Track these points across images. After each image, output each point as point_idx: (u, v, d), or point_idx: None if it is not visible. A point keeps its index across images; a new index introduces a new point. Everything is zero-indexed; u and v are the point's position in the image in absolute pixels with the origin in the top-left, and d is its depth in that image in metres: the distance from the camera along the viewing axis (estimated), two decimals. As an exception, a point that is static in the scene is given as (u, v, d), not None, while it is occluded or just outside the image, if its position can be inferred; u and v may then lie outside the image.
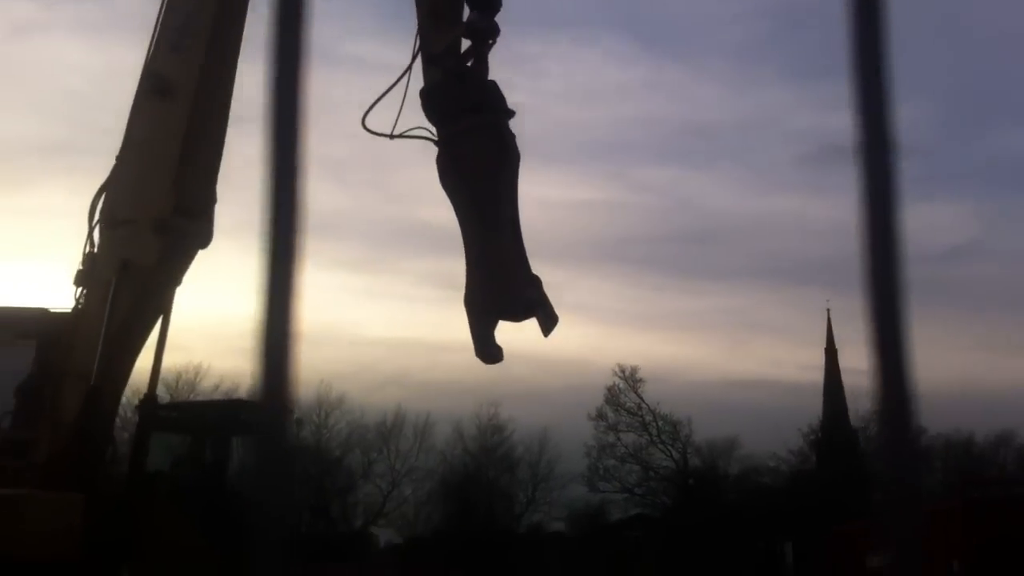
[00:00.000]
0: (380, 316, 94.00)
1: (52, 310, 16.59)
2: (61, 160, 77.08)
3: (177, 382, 53.25)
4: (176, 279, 15.02)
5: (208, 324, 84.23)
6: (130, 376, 14.98)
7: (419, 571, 26.01)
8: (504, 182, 14.55)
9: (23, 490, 13.54)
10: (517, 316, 13.84)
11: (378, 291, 75.16)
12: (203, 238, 15.08)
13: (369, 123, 12.21)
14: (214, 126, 15.13)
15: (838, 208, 59.21)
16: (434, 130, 12.75)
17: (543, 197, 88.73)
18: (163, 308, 15.14)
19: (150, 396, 15.11)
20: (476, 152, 12.96)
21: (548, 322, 13.76)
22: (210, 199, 15.19)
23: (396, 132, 12.53)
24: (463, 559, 45.63)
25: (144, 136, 15.27)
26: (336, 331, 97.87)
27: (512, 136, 13.00)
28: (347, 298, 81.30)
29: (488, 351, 13.36)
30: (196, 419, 16.26)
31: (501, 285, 13.71)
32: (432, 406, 64.45)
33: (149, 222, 14.69)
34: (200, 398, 39.77)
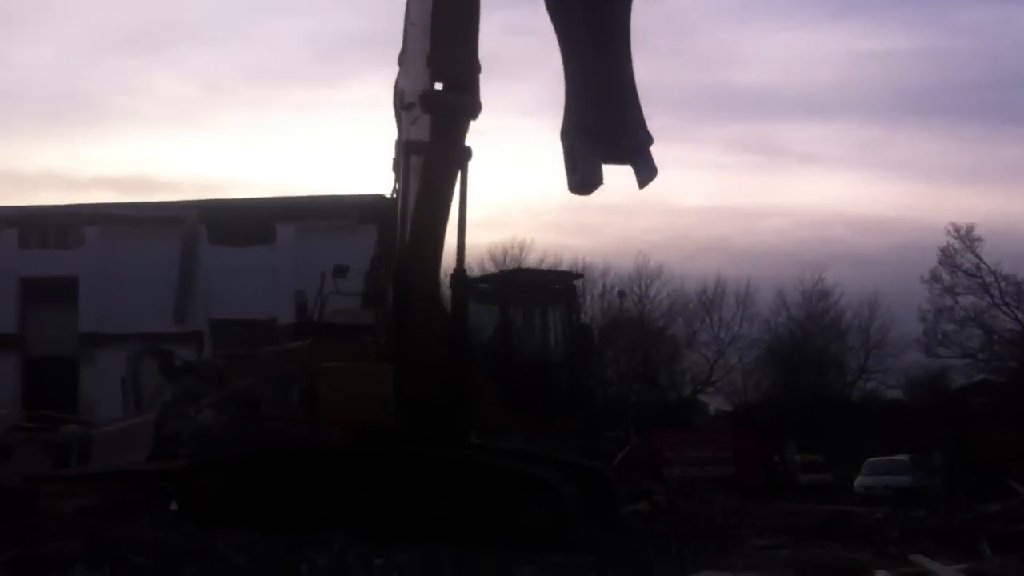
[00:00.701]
0: (689, 185, 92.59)
1: (388, 195, 16.89)
2: (378, 52, 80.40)
3: (504, 257, 54.98)
4: (452, 153, 14.66)
5: (530, 200, 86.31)
6: (438, 255, 15.03)
7: (751, 438, 25.64)
8: (618, 7, 13.90)
9: (339, 363, 14.60)
10: (622, 153, 13.30)
11: (686, 160, 73.65)
12: (471, 110, 14.66)
13: None
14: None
15: None
16: None
17: (848, 49, 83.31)
18: (453, 184, 14.92)
19: (459, 270, 15.13)
20: None
21: (648, 173, 13.15)
22: (472, 70, 14.70)
23: None
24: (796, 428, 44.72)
25: (416, 17, 15.37)
26: (647, 201, 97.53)
27: None
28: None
29: (585, 180, 12.97)
30: (506, 289, 16.15)
31: (615, 121, 13.11)
32: (752, 272, 62.79)
33: (419, 100, 14.62)
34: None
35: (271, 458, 15.72)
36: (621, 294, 54.40)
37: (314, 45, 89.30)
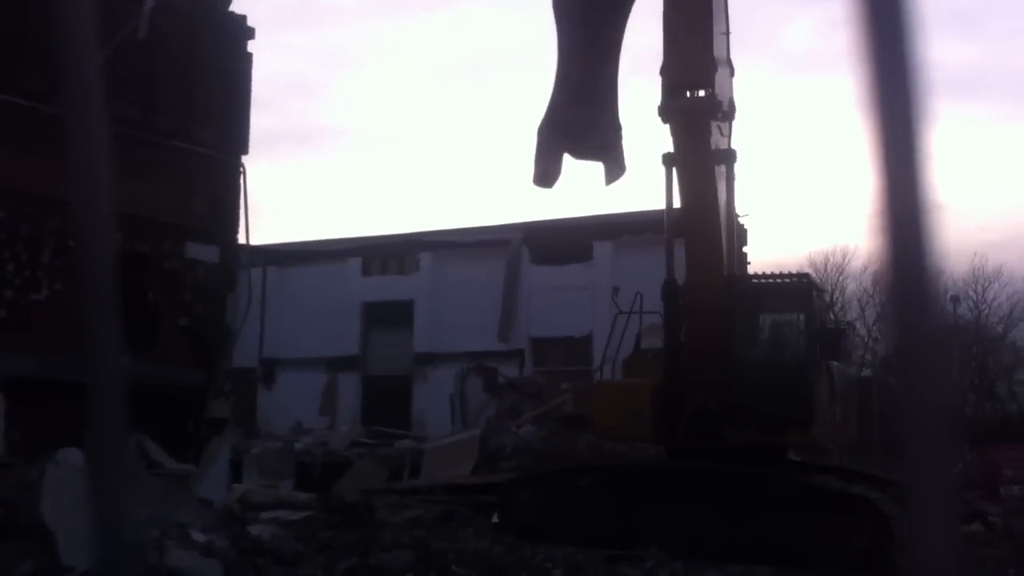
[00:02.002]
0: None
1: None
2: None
3: (826, 264, 53.17)
4: (701, 158, 14.48)
5: (857, 202, 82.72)
6: (712, 263, 14.76)
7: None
8: (619, 10, 14.21)
9: (608, 380, 15.68)
10: (587, 154, 13.87)
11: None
12: (708, 109, 14.44)
13: None
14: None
15: None
16: None
17: None
18: (712, 189, 14.64)
19: (669, 280, 15.03)
20: None
21: (615, 172, 13.62)
22: (705, 70, 14.41)
23: None
24: None
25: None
26: (983, 198, 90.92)
27: None
28: (985, 161, 74.88)
29: (545, 174, 13.66)
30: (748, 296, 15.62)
31: (586, 119, 13.65)
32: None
33: (658, 112, 14.53)
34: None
35: (588, 472, 16.04)
36: (955, 299, 51.13)
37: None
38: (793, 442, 15.15)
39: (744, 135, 40.30)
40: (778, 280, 15.23)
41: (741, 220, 29.15)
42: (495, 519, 15.84)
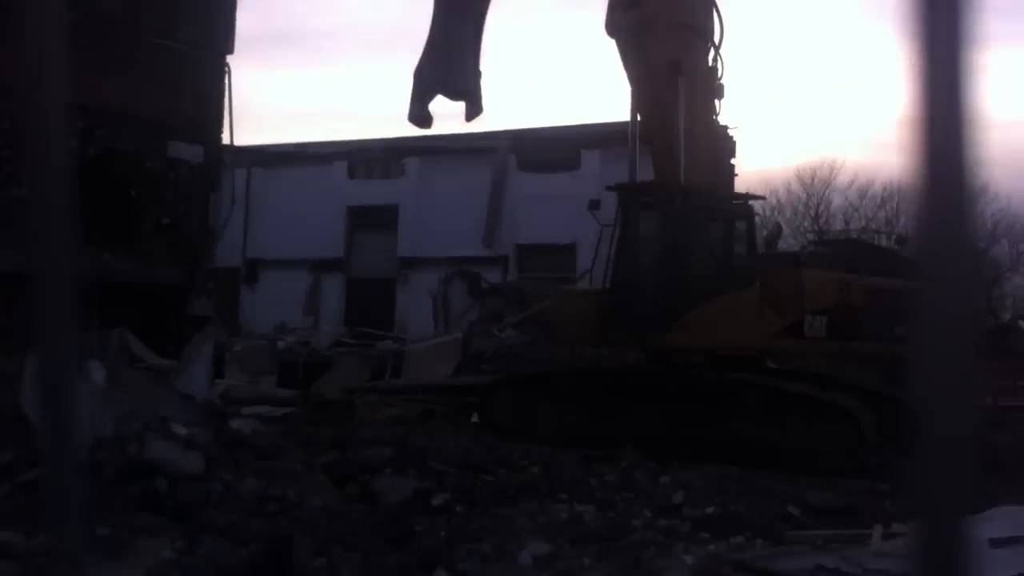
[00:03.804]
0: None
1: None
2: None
3: (812, 178, 53.16)
4: (647, 71, 15.33)
5: (844, 117, 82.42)
6: (675, 172, 15.14)
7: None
8: None
9: (569, 288, 16.91)
10: (452, 96, 15.95)
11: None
12: (648, 24, 15.23)
13: None
14: None
15: None
16: None
17: None
18: (662, 100, 15.32)
19: (624, 183, 16.29)
20: None
21: (474, 111, 15.95)
22: None
23: None
24: None
25: None
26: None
27: None
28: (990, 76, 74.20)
29: (420, 116, 15.83)
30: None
31: (450, 67, 15.87)
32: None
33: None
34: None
35: (566, 375, 16.29)
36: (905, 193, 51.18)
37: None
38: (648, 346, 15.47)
39: (736, 44, 39.89)
40: (726, 204, 15.70)
41: (730, 131, 29.07)
42: (475, 419, 16.09)
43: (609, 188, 16.79)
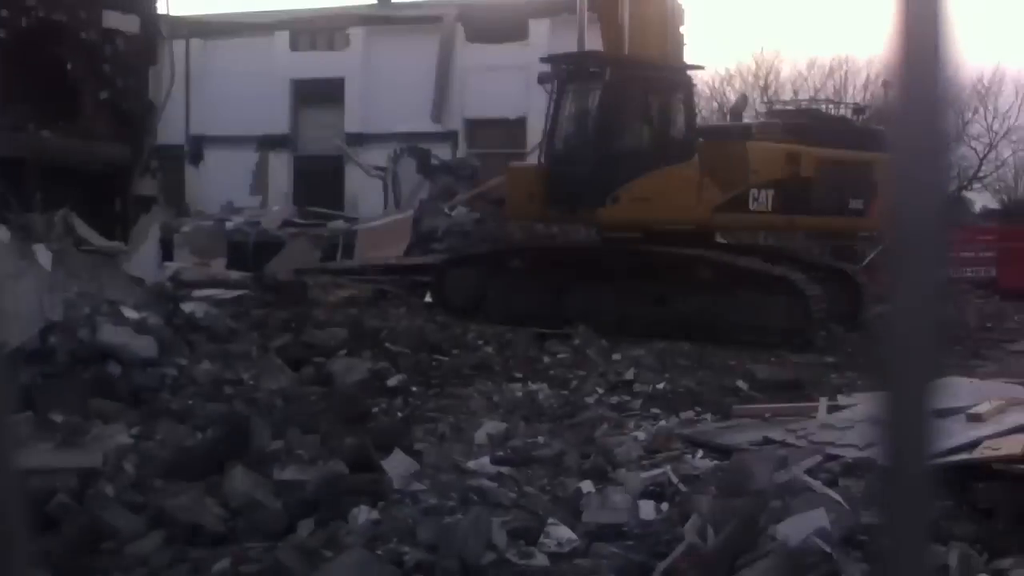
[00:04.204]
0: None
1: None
2: None
3: (761, 49, 52.81)
4: None
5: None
6: (618, 42, 15.24)
7: (1018, 238, 23.93)
8: None
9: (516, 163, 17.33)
10: None
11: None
12: None
13: None
14: None
15: None
16: None
17: None
18: None
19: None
20: None
21: None
22: None
23: None
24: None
25: None
26: None
27: None
28: None
29: None
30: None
31: None
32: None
33: None
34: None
35: (518, 253, 16.33)
36: (885, 84, 51.22)
37: None
38: (586, 220, 15.58)
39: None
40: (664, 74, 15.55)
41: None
42: (427, 299, 16.14)
43: (542, 60, 16.54)
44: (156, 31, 20.07)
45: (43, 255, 10.62)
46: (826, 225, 16.50)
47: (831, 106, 22.29)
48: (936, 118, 1.21)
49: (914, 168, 1.21)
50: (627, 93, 14.83)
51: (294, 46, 37.64)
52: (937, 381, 1.21)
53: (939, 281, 1.22)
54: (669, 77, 15.65)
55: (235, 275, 17.39)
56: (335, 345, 11.01)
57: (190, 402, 8.42)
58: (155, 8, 19.85)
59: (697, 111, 16.28)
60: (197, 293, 14.22)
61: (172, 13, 20.47)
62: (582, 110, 15.22)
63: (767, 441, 7.65)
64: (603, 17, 15.77)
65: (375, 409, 8.72)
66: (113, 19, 19.19)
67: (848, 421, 7.90)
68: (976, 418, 7.85)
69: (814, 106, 21.86)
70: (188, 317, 11.05)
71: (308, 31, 37.52)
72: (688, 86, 15.67)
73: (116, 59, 19.16)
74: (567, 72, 15.43)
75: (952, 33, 1.21)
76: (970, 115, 52.92)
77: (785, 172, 15.26)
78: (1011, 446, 7.16)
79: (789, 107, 22.79)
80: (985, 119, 53.10)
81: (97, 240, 15.24)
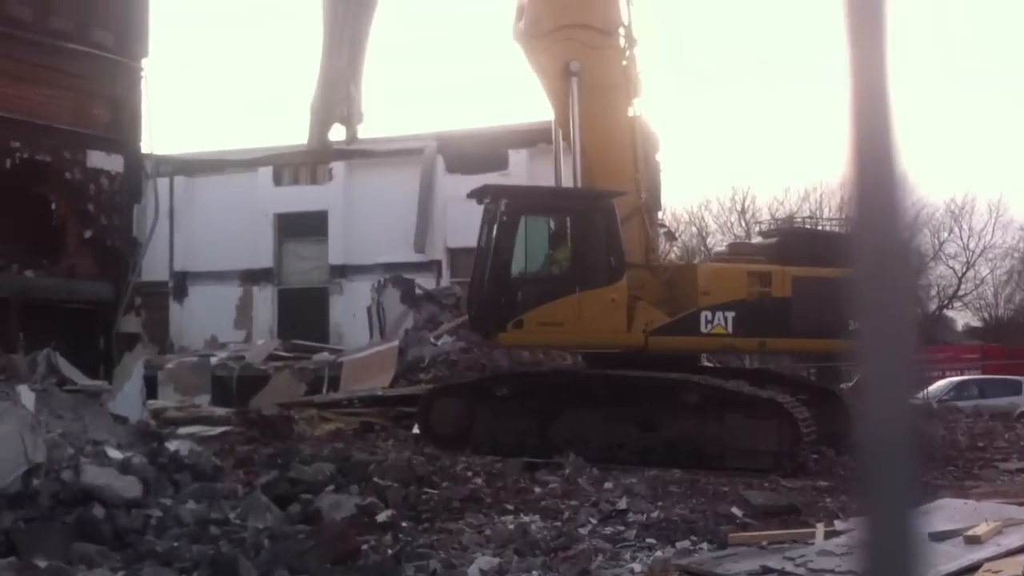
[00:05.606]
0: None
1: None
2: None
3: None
4: (548, 80, 16.28)
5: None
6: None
7: (1003, 355, 24.15)
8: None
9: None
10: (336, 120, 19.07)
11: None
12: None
13: None
14: None
15: None
16: None
17: None
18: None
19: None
20: None
21: (351, 137, 20.31)
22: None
23: None
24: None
25: None
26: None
27: None
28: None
29: (317, 149, 19.55)
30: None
31: (330, 95, 18.94)
32: (1007, 180, 58.62)
33: None
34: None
35: (504, 381, 16.24)
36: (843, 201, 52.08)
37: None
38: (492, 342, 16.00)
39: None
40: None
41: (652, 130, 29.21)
42: (415, 430, 15.98)
43: (469, 195, 16.98)
44: (140, 170, 20.34)
45: (26, 396, 10.52)
46: (803, 347, 16.31)
47: (820, 223, 22.45)
48: (894, 229, 1.21)
49: (876, 284, 1.20)
50: (527, 222, 15.13)
51: (277, 181, 38.09)
52: (919, 500, 1.18)
53: (912, 399, 1.21)
54: (580, 204, 15.71)
55: (220, 411, 17.23)
56: (322, 480, 10.83)
57: (175, 544, 8.21)
58: (139, 148, 20.16)
59: (637, 235, 15.97)
60: (181, 430, 14.06)
61: (156, 152, 20.79)
62: (488, 239, 15.51)
63: (765, 570, 7.52)
64: (570, 147, 16.26)
65: (364, 546, 8.54)
66: (97, 159, 19.44)
67: (846, 547, 7.78)
68: (974, 540, 7.76)
69: (800, 224, 22.00)
70: (173, 455, 10.89)
71: (291, 166, 38.03)
72: (608, 211, 15.35)
73: (100, 198, 19.36)
74: (484, 203, 15.84)
75: (903, 149, 1.22)
76: (946, 235, 53.77)
77: (749, 292, 15.17)
78: (1011, 568, 7.05)
79: (775, 227, 22.80)
80: (961, 238, 53.94)
81: (81, 379, 15.14)
